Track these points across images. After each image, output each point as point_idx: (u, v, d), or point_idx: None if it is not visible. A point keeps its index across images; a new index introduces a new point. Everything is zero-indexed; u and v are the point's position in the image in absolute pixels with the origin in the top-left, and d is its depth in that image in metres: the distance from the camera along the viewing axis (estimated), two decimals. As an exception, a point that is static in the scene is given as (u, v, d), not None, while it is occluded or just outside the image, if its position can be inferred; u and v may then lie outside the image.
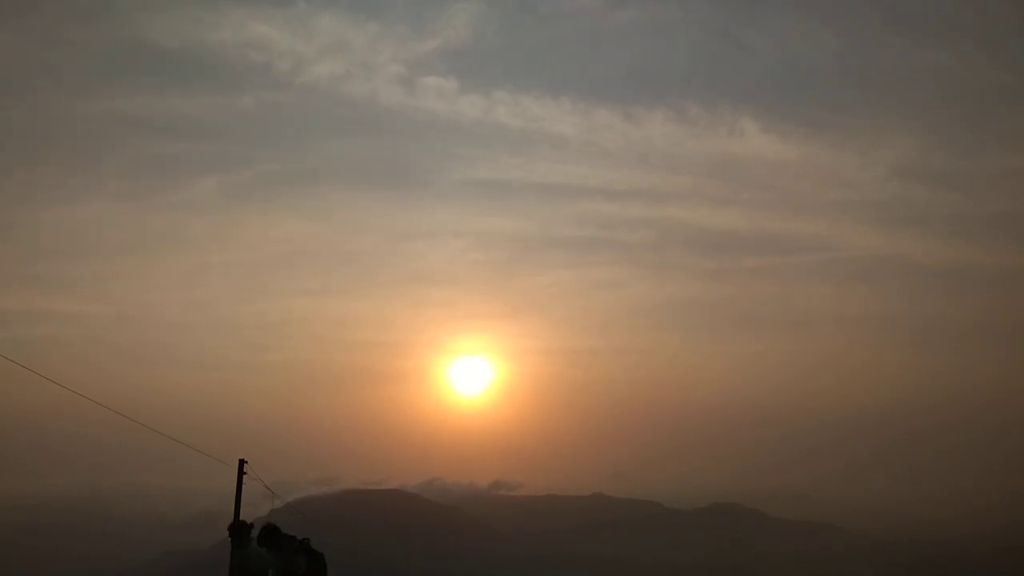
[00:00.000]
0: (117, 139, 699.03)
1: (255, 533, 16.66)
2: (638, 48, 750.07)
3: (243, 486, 30.86)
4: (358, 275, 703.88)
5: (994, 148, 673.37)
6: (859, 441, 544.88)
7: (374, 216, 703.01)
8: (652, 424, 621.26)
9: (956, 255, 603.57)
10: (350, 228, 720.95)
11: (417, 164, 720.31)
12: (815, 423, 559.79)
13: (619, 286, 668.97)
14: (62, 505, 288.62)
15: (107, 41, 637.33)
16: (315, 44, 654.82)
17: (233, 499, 30.65)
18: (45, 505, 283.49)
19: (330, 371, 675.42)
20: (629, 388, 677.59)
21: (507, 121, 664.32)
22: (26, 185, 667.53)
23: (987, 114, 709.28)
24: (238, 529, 16.85)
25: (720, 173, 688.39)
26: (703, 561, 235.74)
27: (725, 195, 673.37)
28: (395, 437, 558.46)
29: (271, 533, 16.39)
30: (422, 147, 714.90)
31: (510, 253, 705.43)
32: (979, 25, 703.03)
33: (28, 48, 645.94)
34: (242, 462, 30.79)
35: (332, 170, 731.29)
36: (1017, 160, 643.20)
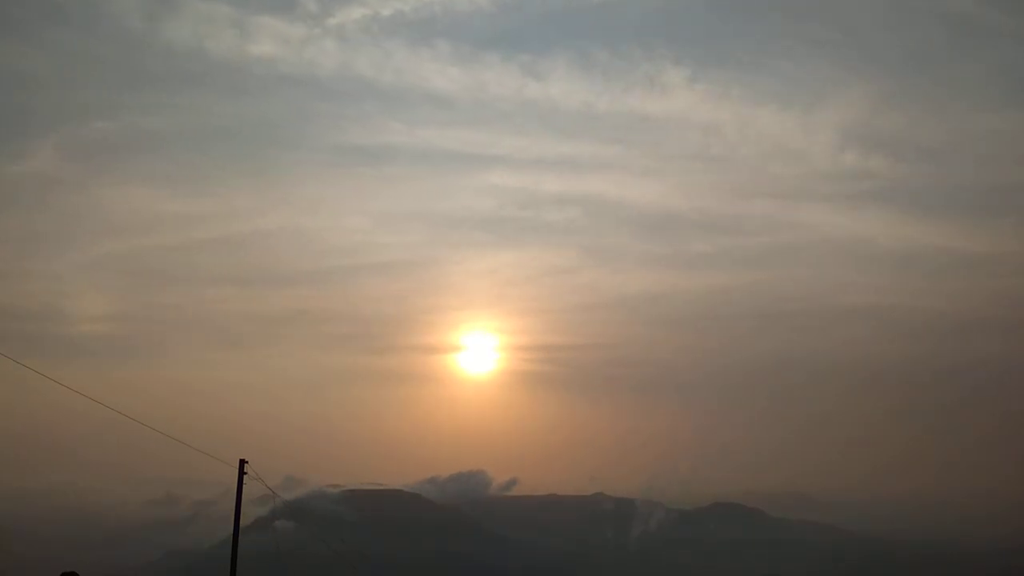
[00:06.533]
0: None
1: None
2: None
3: (243, 486, 30.89)
4: (261, 262, 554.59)
5: (961, 106, 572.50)
6: (859, 441, 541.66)
7: (247, 190, 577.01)
8: (651, 424, 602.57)
9: (923, 237, 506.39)
10: (232, 203, 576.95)
11: (266, 125, 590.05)
12: (814, 423, 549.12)
13: (568, 274, 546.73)
14: (61, 505, 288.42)
15: None
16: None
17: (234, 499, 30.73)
18: (44, 505, 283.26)
19: (305, 368, 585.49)
20: (621, 386, 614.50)
21: (372, 74, 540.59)
22: None
23: (952, 61, 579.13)
24: None
25: (643, 139, 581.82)
26: (704, 560, 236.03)
27: (654, 166, 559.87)
28: (390, 436, 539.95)
29: None
30: (265, 104, 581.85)
31: (424, 236, 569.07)
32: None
33: None
34: (243, 462, 30.84)
35: (170, 133, 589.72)
36: (992, 119, 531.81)
